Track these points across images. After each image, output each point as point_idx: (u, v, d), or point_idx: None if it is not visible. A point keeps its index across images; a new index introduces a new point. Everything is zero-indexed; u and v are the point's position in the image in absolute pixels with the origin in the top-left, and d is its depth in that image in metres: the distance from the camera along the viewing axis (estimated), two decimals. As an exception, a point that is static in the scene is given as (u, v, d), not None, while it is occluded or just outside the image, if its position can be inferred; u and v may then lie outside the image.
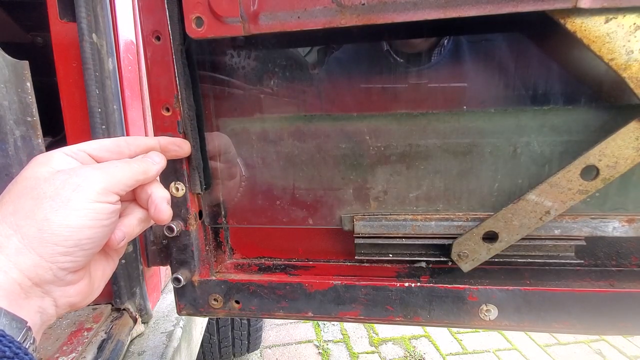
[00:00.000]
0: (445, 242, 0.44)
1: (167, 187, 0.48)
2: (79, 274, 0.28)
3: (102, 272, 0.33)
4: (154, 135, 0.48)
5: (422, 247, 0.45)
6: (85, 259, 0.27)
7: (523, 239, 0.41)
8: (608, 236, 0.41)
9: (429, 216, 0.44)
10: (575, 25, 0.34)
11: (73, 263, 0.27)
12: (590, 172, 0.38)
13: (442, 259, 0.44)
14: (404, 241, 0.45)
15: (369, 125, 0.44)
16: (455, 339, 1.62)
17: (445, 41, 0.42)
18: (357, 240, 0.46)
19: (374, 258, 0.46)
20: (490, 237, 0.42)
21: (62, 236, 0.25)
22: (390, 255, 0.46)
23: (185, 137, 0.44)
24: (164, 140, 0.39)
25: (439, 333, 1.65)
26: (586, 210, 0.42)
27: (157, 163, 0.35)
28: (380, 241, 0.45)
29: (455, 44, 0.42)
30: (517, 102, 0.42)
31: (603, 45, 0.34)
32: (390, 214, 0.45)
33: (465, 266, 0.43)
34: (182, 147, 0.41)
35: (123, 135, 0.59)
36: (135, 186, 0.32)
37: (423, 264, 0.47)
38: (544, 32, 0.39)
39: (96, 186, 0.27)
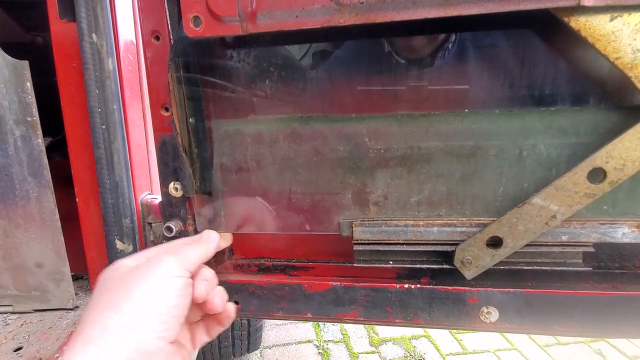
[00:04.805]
0: (448, 248, 0.43)
1: (166, 187, 0.48)
2: (174, 348, 0.32)
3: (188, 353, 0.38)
4: (153, 135, 0.48)
5: (423, 254, 0.44)
6: (176, 327, 0.32)
7: (529, 245, 0.40)
8: (617, 242, 0.40)
9: (431, 222, 0.43)
10: (580, 23, 0.33)
11: (168, 332, 0.31)
12: (597, 174, 0.37)
13: (444, 267, 0.44)
14: (405, 248, 0.44)
15: (369, 127, 0.43)
16: (456, 339, 1.62)
17: (450, 45, 0.41)
18: (355, 247, 0.44)
19: (374, 266, 0.45)
20: (495, 242, 0.41)
21: (156, 307, 0.31)
22: (391, 263, 0.45)
23: (181, 137, 0.44)
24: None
25: (439, 333, 1.64)
26: (592, 215, 0.41)
27: (213, 240, 0.41)
28: (380, 248, 0.44)
29: (460, 47, 0.41)
30: (523, 103, 0.41)
31: (608, 44, 0.33)
32: (391, 220, 0.44)
33: (469, 273, 0.42)
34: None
35: (123, 136, 0.59)
36: (201, 263, 0.38)
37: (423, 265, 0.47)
38: (548, 31, 0.39)
39: (172, 265, 0.34)
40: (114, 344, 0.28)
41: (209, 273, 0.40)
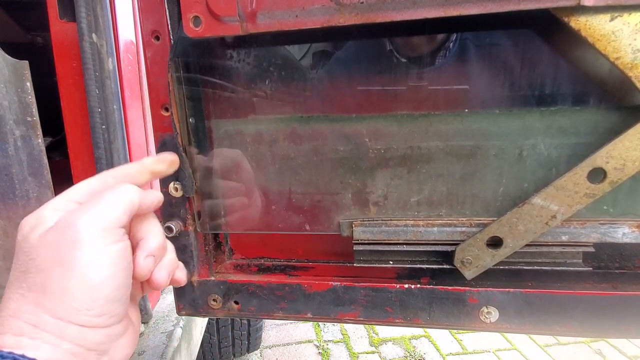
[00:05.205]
0: (448, 248, 0.43)
1: (166, 187, 0.48)
2: (124, 323, 0.27)
3: (137, 316, 0.30)
4: (153, 135, 0.48)
5: (423, 254, 0.44)
6: (123, 306, 0.26)
7: (529, 245, 0.40)
8: (618, 242, 0.40)
9: (431, 222, 0.43)
10: (580, 23, 0.33)
11: (114, 317, 0.25)
12: (598, 174, 0.37)
13: (444, 267, 0.44)
14: (405, 248, 0.44)
15: (369, 127, 0.43)
16: (456, 339, 1.62)
17: (451, 44, 0.41)
18: (355, 247, 0.45)
19: (374, 266, 0.45)
20: (495, 242, 0.41)
21: (88, 299, 0.23)
22: (391, 262, 0.45)
23: (181, 137, 0.44)
24: (149, 160, 0.35)
25: (439, 333, 1.64)
26: (592, 215, 0.41)
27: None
28: (380, 247, 0.44)
29: (461, 46, 0.41)
30: (523, 103, 0.41)
31: (608, 44, 0.33)
32: (391, 220, 0.44)
33: (469, 273, 0.42)
34: (166, 160, 0.36)
35: (123, 136, 0.59)
36: (135, 212, 0.27)
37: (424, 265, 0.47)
38: (548, 31, 0.39)
39: (95, 231, 0.23)
40: (51, 341, 0.22)
41: (154, 243, 0.28)
